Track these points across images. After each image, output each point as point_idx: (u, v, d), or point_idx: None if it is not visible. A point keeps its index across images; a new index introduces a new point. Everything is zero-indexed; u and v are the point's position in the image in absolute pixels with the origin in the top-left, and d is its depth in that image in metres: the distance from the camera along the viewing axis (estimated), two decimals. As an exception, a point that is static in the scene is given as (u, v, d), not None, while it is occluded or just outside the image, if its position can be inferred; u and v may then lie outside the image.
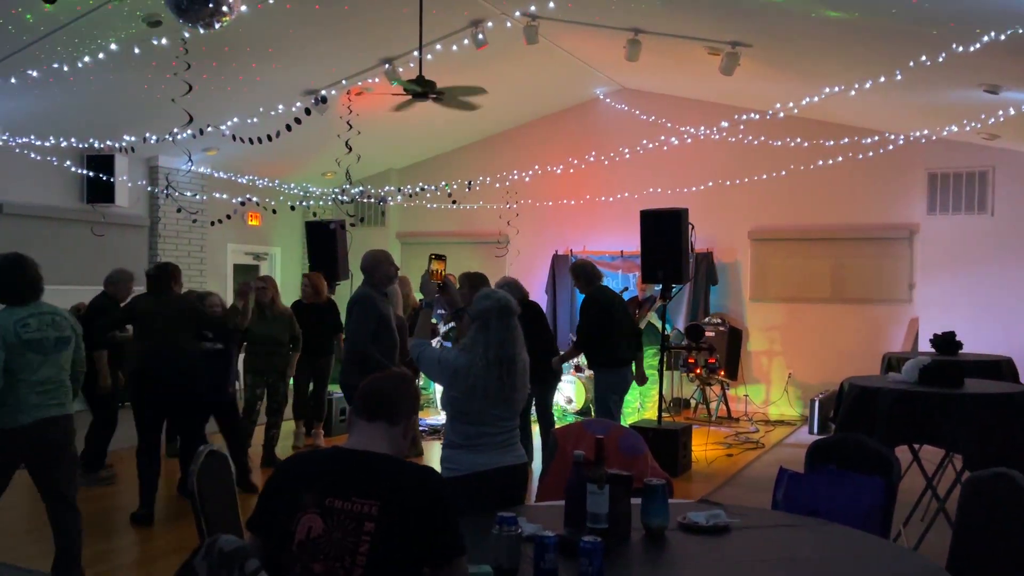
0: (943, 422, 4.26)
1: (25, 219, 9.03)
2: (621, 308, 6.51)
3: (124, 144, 8.54)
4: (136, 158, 9.85)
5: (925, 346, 8.15)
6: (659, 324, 8.53)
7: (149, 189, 10.22)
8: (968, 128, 8.06)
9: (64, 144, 8.65)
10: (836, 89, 7.19)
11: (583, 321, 6.37)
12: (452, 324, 7.81)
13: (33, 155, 8.70)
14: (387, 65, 8.14)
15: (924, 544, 4.41)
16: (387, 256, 5.73)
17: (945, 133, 8.58)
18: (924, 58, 6.09)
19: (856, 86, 6.91)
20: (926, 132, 8.62)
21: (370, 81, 8.48)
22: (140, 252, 10.13)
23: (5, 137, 8.44)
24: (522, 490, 3.29)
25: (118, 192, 9.50)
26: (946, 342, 6.25)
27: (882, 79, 6.63)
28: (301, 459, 2.25)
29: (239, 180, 10.96)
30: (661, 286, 7.17)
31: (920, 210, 9.59)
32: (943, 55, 5.95)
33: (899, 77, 6.51)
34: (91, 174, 9.39)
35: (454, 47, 7.73)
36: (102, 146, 8.84)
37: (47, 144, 8.58)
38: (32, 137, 8.47)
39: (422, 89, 6.68)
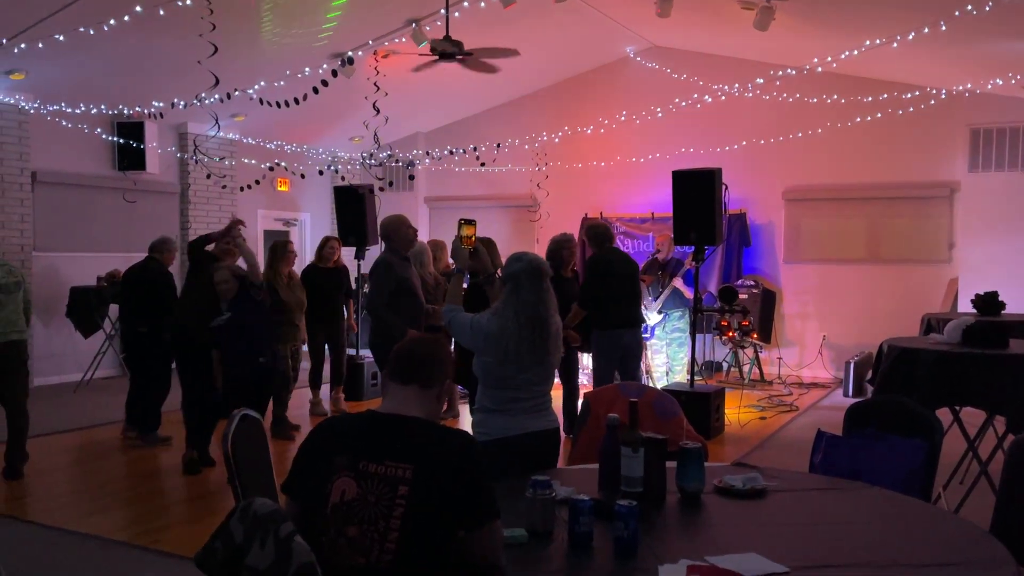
0: (986, 384, 4.17)
1: (59, 187, 9.13)
2: (623, 271, 6.32)
3: (153, 110, 8.57)
4: (165, 125, 9.89)
5: (965, 307, 7.98)
6: (683, 288, 8.42)
7: (179, 156, 10.27)
8: (1014, 81, 7.78)
9: (94, 111, 8.70)
10: (877, 42, 6.97)
11: (583, 282, 6.36)
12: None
13: (65, 123, 8.77)
14: (413, 25, 8.03)
15: (965, 508, 4.34)
16: (403, 220, 5.78)
17: (989, 87, 8.30)
18: (970, 7, 5.85)
19: (898, 38, 6.68)
20: (969, 86, 8.34)
21: (397, 41, 8.38)
22: (171, 218, 10.21)
23: (37, 104, 8.51)
24: (554, 455, 3.27)
25: (149, 159, 9.55)
26: (988, 302, 6.10)
27: (925, 30, 6.40)
28: (335, 422, 2.23)
29: (267, 146, 10.96)
30: (694, 248, 7.06)
31: (961, 167, 9.31)
32: (990, 4, 5.71)
33: (943, 28, 6.28)
34: (121, 141, 9.45)
35: (482, 4, 7.58)
36: (131, 112, 8.87)
37: (78, 111, 8.64)
38: (63, 104, 8.53)
39: (453, 50, 6.60)
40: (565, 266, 6.41)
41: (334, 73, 7.98)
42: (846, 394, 8.76)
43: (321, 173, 10.82)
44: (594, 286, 6.18)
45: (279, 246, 7.02)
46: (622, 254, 6.68)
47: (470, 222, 3.55)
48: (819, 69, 8.27)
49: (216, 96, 6.93)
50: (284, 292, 6.73)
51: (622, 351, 6.25)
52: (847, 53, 7.46)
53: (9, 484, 5.34)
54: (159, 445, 6.32)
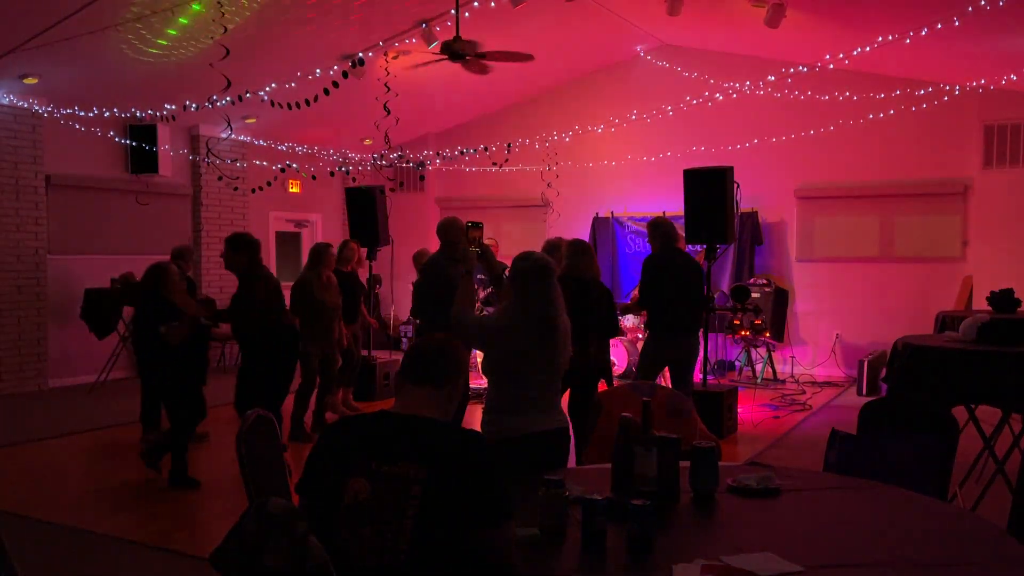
0: (1002, 381, 4.13)
1: (72, 190, 9.19)
2: (682, 274, 6.06)
3: (165, 113, 8.61)
4: (177, 127, 9.94)
5: (980, 304, 7.91)
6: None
7: (191, 158, 10.32)
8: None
9: (107, 115, 8.75)
10: (889, 38, 6.92)
11: (641, 280, 6.18)
12: (490, 290, 7.81)
13: (78, 126, 8.83)
14: (423, 26, 8.04)
15: (981, 506, 4.31)
16: (453, 222, 5.94)
17: (1003, 83, 8.23)
18: (983, 2, 5.81)
19: (911, 34, 6.64)
20: (982, 82, 8.28)
21: (407, 42, 8.39)
22: (184, 221, 10.26)
23: (50, 108, 8.57)
24: (563, 453, 3.26)
25: (161, 161, 9.61)
26: (1004, 300, 6.03)
27: (939, 26, 6.36)
28: (348, 423, 2.24)
29: (279, 147, 11.00)
30: (705, 247, 7.04)
31: (975, 164, 9.24)
32: (1003, -1, 5.67)
33: (956, 24, 6.23)
34: (134, 144, 9.50)
35: (492, 3, 7.58)
36: (143, 115, 8.92)
37: (90, 115, 8.69)
38: (76, 108, 8.58)
39: (461, 52, 6.63)
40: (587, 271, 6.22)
41: (344, 74, 8.00)
42: (860, 393, 8.72)
43: (332, 175, 10.85)
44: (650, 286, 5.99)
45: (323, 249, 6.89)
46: (686, 256, 6.35)
47: (477, 225, 3.57)
48: (831, 66, 8.23)
49: (227, 98, 6.96)
50: (319, 293, 6.72)
51: (670, 357, 6.06)
52: (859, 50, 7.41)
53: (24, 484, 5.39)
54: (197, 443, 6.34)
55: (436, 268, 5.89)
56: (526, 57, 6.93)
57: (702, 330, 6.37)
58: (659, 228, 6.19)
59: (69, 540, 4.44)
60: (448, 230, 5.95)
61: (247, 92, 7.79)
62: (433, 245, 7.86)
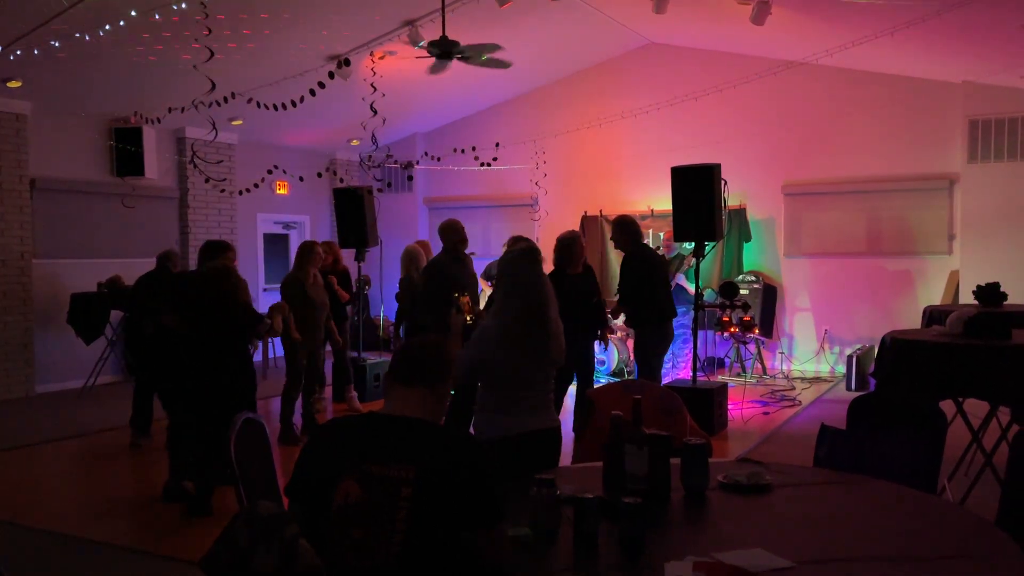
0: (989, 375, 4.15)
1: (58, 193, 9.11)
2: (659, 267, 6.51)
3: (151, 115, 8.56)
4: (163, 130, 9.88)
5: (966, 299, 7.97)
6: (688, 284, 8.44)
7: (177, 160, 10.25)
8: (1014, 72, 7.77)
9: (92, 117, 8.69)
10: (874, 35, 6.96)
11: (627, 278, 6.35)
12: None
13: (63, 129, 8.76)
14: (409, 27, 8.02)
15: (970, 499, 4.34)
16: (452, 223, 6.13)
17: (988, 78, 8.28)
18: (967, -2, 5.85)
19: (895, 31, 6.67)
20: (967, 77, 8.32)
21: (393, 42, 8.36)
22: (171, 224, 10.21)
23: (34, 111, 8.50)
24: (555, 453, 3.26)
25: (147, 164, 9.54)
26: (990, 293, 6.06)
27: (924, 22, 6.39)
28: (337, 425, 2.23)
29: (266, 149, 10.94)
30: (693, 244, 7.06)
31: (960, 159, 9.30)
32: (987, -6, 5.71)
33: (941, 19, 6.27)
34: (119, 146, 9.43)
35: (479, 2, 7.57)
36: (129, 118, 8.87)
37: (75, 118, 8.63)
38: (61, 111, 8.52)
39: (440, 51, 6.63)
40: (576, 263, 6.31)
41: (331, 75, 7.97)
42: (849, 388, 8.76)
43: (320, 176, 10.81)
44: (642, 281, 6.24)
45: (309, 247, 6.83)
46: (654, 251, 6.88)
47: (464, 293, 3.71)
48: (817, 63, 8.26)
49: (213, 100, 6.93)
50: (310, 291, 6.70)
51: (669, 342, 6.47)
52: (843, 47, 7.45)
53: (12, 491, 5.34)
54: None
55: (439, 269, 5.87)
56: (503, 64, 7.01)
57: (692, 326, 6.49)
58: (628, 227, 6.49)
59: (58, 546, 4.41)
60: (448, 231, 6.02)
61: (232, 94, 7.76)
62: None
